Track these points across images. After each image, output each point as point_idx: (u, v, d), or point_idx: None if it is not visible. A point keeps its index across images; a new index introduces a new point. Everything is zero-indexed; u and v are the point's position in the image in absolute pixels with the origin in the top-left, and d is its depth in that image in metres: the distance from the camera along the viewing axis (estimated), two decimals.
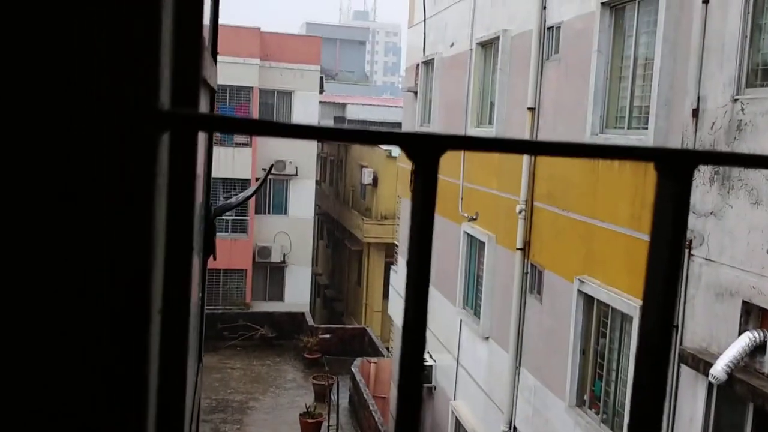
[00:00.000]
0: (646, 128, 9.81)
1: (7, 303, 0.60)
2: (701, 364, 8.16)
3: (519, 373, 13.52)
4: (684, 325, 8.83)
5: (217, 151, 29.94)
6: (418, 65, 20.48)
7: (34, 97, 0.59)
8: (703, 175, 8.65)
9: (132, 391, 0.64)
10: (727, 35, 8.26)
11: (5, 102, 0.59)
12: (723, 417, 8.30)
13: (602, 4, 10.87)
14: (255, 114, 30.94)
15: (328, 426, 21.92)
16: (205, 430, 22.08)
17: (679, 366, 8.79)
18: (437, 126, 18.56)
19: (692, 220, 8.72)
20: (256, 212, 32.12)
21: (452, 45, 17.84)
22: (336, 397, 22.44)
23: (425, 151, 0.67)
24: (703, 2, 8.65)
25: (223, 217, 31.17)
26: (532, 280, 13.14)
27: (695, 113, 8.74)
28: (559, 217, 12.15)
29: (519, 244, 13.37)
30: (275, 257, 32.30)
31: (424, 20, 19.73)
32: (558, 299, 12.12)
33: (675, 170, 0.72)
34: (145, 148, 0.60)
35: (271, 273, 33.06)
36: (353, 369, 24.14)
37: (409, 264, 0.70)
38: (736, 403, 8.02)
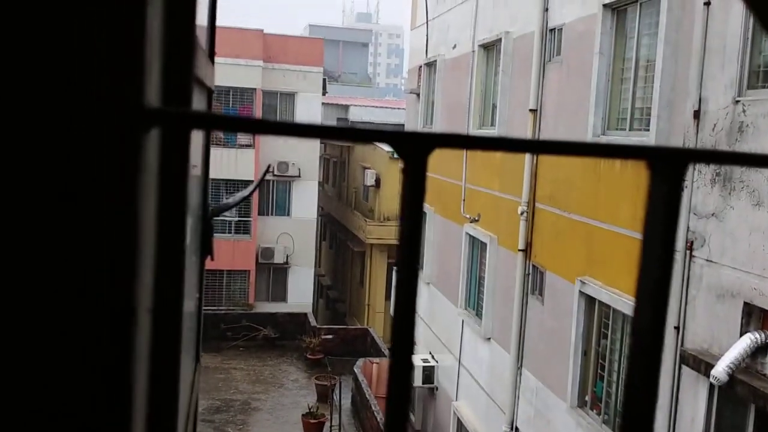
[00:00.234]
0: (648, 130, 9.80)
1: None
2: (702, 365, 8.15)
3: (520, 374, 13.52)
4: (685, 326, 8.82)
5: (220, 152, 30.08)
6: (420, 67, 20.49)
7: (10, 94, 0.58)
8: (704, 176, 8.65)
9: (116, 389, 0.64)
10: (728, 37, 8.25)
11: None
12: (724, 418, 8.29)
13: (604, 6, 10.86)
14: (258, 116, 30.94)
15: (331, 426, 21.92)
16: (208, 431, 22.08)
17: (680, 367, 8.78)
18: (440, 128, 18.56)
19: (693, 222, 8.72)
20: (259, 213, 32.12)
21: (454, 47, 17.84)
22: (338, 397, 22.43)
23: (414, 149, 0.67)
24: (704, 4, 8.64)
25: (226, 219, 31.19)
26: (534, 281, 13.13)
27: (697, 115, 8.73)
28: (561, 218, 12.15)
29: (521, 245, 13.36)
30: (278, 258, 32.30)
31: (427, 22, 19.74)
32: (559, 300, 12.11)
33: (667, 169, 0.72)
34: (128, 146, 0.60)
35: (274, 274, 33.06)
36: (355, 369, 24.13)
37: (398, 263, 0.70)
38: (737, 404, 8.01)
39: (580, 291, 11.30)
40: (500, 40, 14.81)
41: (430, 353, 18.74)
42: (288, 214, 33.01)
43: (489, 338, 15.05)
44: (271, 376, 26.88)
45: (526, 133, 13.30)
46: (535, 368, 13.01)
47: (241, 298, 31.91)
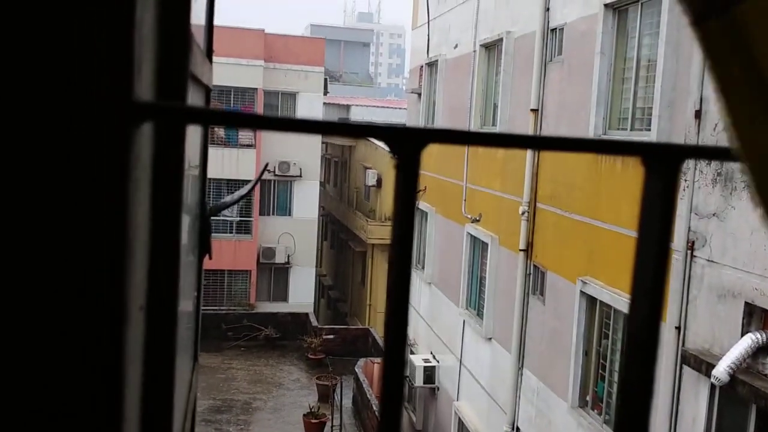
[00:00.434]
0: (649, 129, 9.80)
1: None
2: (703, 365, 8.14)
3: (522, 374, 13.51)
4: (686, 326, 8.81)
5: (221, 152, 30.11)
6: (422, 67, 20.49)
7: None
8: (705, 176, 8.64)
9: (107, 387, 0.63)
10: None
11: None
12: (725, 418, 8.28)
13: (605, 5, 10.86)
14: None
15: (332, 426, 21.92)
16: (209, 431, 22.08)
17: (681, 367, 8.77)
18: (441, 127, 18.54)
19: (695, 222, 8.71)
20: (261, 213, 32.13)
21: (456, 47, 17.84)
22: (339, 397, 22.45)
23: (407, 145, 0.67)
24: None
25: (228, 219, 31.20)
26: (535, 281, 13.13)
27: (698, 114, 8.72)
28: (562, 218, 12.14)
29: (522, 245, 13.36)
30: (279, 258, 32.30)
31: (428, 22, 19.74)
32: (560, 300, 12.10)
33: (662, 165, 0.71)
34: (118, 140, 0.59)
35: (275, 274, 33.06)
36: (356, 369, 24.14)
37: (391, 259, 0.70)
38: (738, 404, 8.00)
39: (581, 291, 11.30)
40: (501, 39, 14.80)
41: (432, 353, 18.74)
42: (289, 214, 33.01)
43: (490, 338, 15.04)
44: (272, 376, 26.90)
45: (527, 132, 13.28)
46: (536, 368, 13.00)
47: (242, 298, 31.92)
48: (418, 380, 18.24)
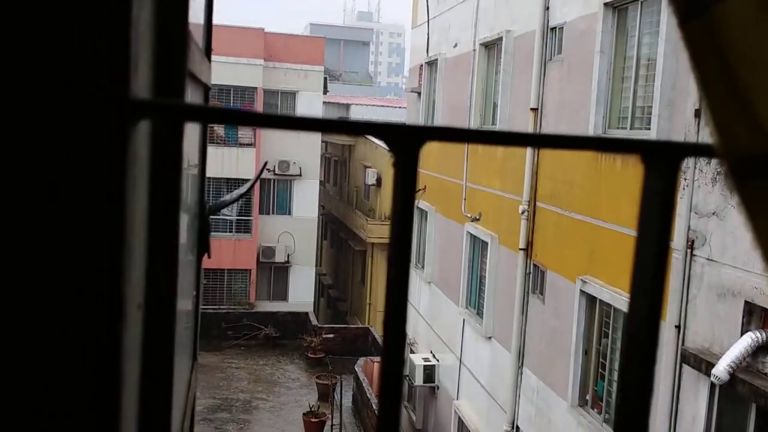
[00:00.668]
0: (649, 128, 9.80)
1: None
2: (703, 364, 8.14)
3: (521, 373, 13.51)
4: (686, 325, 8.81)
5: (221, 151, 30.11)
6: (421, 66, 20.48)
7: None
8: (705, 175, 8.64)
9: (103, 386, 0.63)
10: None
11: None
12: (725, 417, 8.28)
13: (605, 4, 10.85)
14: None
15: (332, 425, 21.93)
16: (209, 430, 22.09)
17: (681, 366, 8.77)
18: None
19: (694, 221, 8.71)
20: (260, 212, 32.13)
21: (456, 46, 17.84)
22: (339, 396, 22.45)
23: (405, 142, 0.66)
24: None
25: (227, 218, 31.20)
26: (535, 280, 13.13)
27: (698, 113, 8.72)
28: (562, 217, 12.14)
29: (522, 244, 13.36)
30: (279, 257, 32.31)
31: (428, 21, 19.73)
32: (560, 299, 12.10)
33: (662, 163, 0.71)
34: (114, 137, 0.59)
35: (275, 273, 33.07)
36: (356, 368, 24.14)
37: (389, 257, 0.69)
38: (738, 403, 8.00)
39: (581, 290, 11.30)
40: (501, 38, 14.80)
41: (431, 352, 18.74)
42: (289, 213, 33.01)
43: (490, 337, 15.04)
44: (272, 375, 26.90)
45: (527, 131, 13.26)
46: (536, 367, 13.01)
47: (242, 297, 31.93)
48: (418, 379, 18.25)
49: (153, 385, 0.98)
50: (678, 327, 8.87)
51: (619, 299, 10.14)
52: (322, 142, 35.80)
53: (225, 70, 29.09)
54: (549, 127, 12.79)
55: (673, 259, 8.91)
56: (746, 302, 7.84)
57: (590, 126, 11.12)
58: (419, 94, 20.59)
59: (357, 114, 41.38)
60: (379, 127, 0.67)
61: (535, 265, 13.14)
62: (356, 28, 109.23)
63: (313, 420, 22.01)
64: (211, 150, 29.64)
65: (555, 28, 12.71)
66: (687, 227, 8.82)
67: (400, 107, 41.19)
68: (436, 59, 19.06)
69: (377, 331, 28.57)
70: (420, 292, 19.95)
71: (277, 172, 31.86)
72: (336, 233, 38.04)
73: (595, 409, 11.18)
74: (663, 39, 9.45)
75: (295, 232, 32.62)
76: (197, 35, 1.62)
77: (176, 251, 1.05)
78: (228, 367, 27.01)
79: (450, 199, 17.40)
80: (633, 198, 10.07)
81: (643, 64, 10.32)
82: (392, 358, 0.65)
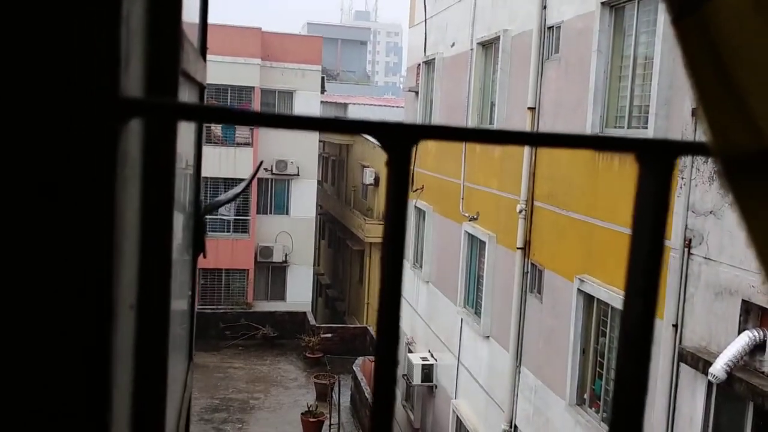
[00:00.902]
0: (646, 127, 9.80)
1: None
2: (701, 362, 8.14)
3: (519, 372, 13.51)
4: (683, 324, 8.81)
5: (218, 151, 30.09)
6: (419, 65, 20.48)
7: None
8: (702, 174, 8.64)
9: (93, 388, 0.62)
10: None
11: None
12: (723, 416, 8.29)
13: (602, 3, 10.85)
14: None
15: (330, 425, 21.92)
16: (207, 430, 22.08)
17: (678, 365, 8.77)
18: None
19: (692, 219, 8.71)
20: (258, 212, 32.11)
21: (453, 45, 17.83)
22: (337, 396, 22.44)
23: (398, 141, 0.66)
24: None
25: (225, 217, 31.19)
26: (533, 280, 13.13)
27: (695, 112, 8.72)
28: (560, 216, 12.14)
29: (519, 243, 13.36)
30: (277, 257, 32.29)
31: (425, 20, 19.72)
32: (558, 298, 12.11)
33: (657, 161, 0.71)
34: (104, 136, 0.59)
35: (272, 273, 33.05)
36: (355, 368, 24.14)
37: (383, 257, 0.69)
38: (735, 402, 8.00)
39: (578, 289, 11.30)
40: (499, 38, 14.79)
41: (429, 351, 18.74)
42: (287, 213, 32.99)
43: (488, 336, 15.04)
44: (270, 375, 26.89)
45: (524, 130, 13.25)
46: (534, 366, 13.01)
47: (239, 297, 31.91)
48: (416, 379, 18.25)
49: (146, 387, 0.97)
50: (675, 326, 8.88)
51: (617, 298, 10.14)
52: (320, 141, 35.78)
53: (222, 70, 29.08)
54: (546, 126, 12.80)
55: (671, 258, 8.91)
56: (743, 301, 7.84)
57: (587, 125, 11.12)
58: (417, 93, 20.59)
59: (354, 113, 41.33)
60: (372, 126, 0.66)
61: (532, 265, 13.15)
62: (354, 27, 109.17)
63: (312, 420, 22.00)
64: (209, 149, 29.62)
65: (552, 27, 12.71)
66: (684, 226, 8.82)
67: (397, 107, 41.17)
68: (434, 58, 19.06)
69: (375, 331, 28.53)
70: (418, 291, 19.95)
71: (274, 171, 31.85)
72: (334, 233, 38.04)
73: (593, 408, 11.18)
74: (660, 38, 9.45)
75: (293, 231, 32.60)
76: (192, 34, 1.61)
77: (170, 252, 1.04)
78: (226, 368, 27.00)
79: (448, 198, 17.39)
80: (630, 197, 10.04)
81: (640, 63, 10.33)
82: (385, 359, 0.65)
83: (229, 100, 31.48)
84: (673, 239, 8.83)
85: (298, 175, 32.45)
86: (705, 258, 8.48)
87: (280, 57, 32.25)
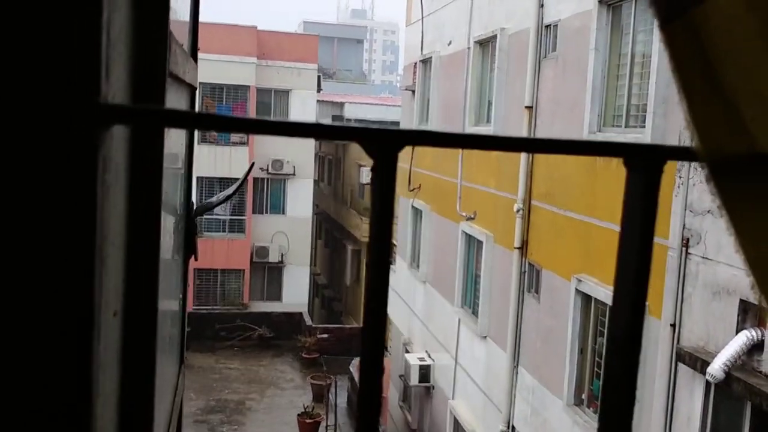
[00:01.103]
0: (644, 126, 9.80)
1: None
2: (699, 362, 8.15)
3: (517, 373, 13.51)
4: (681, 324, 8.81)
5: (213, 150, 30.09)
6: (416, 64, 20.47)
7: None
8: (700, 174, 8.63)
9: (74, 395, 0.62)
10: None
11: None
12: (721, 416, 8.29)
13: (599, 2, 10.85)
14: (252, 113, 30.97)
15: (326, 426, 21.92)
16: (202, 431, 22.07)
17: (676, 364, 8.77)
18: (435, 124, 18.56)
19: (689, 219, 8.71)
20: (254, 212, 32.10)
21: (450, 43, 17.83)
22: (334, 396, 22.46)
23: (382, 147, 0.65)
24: None
25: (221, 217, 31.17)
26: (530, 279, 13.13)
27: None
28: (557, 216, 12.14)
29: (517, 243, 13.35)
30: (273, 257, 32.28)
31: (422, 19, 19.72)
32: (556, 298, 12.11)
33: (644, 165, 0.71)
34: (83, 143, 0.58)
35: (269, 273, 33.04)
36: (351, 369, 24.14)
37: (369, 262, 0.68)
38: (733, 401, 8.01)
39: (576, 289, 11.30)
40: (496, 36, 14.79)
41: (427, 352, 18.74)
42: (283, 213, 32.99)
43: (485, 337, 15.04)
44: (267, 375, 26.88)
45: (521, 129, 13.28)
46: (531, 366, 13.01)
47: (235, 297, 31.89)
48: (414, 379, 18.24)
49: (133, 392, 0.96)
50: (673, 325, 8.88)
51: None
52: (316, 141, 35.75)
53: (218, 69, 29.07)
54: (544, 126, 12.80)
55: (669, 258, 8.91)
56: (741, 300, 7.84)
57: (585, 124, 11.12)
58: (413, 92, 20.58)
59: (351, 112, 41.31)
60: (356, 132, 0.66)
61: (530, 264, 13.14)
62: (350, 25, 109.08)
63: (308, 421, 22.00)
64: (204, 149, 29.61)
65: (550, 25, 12.71)
66: (682, 225, 8.82)
67: (394, 105, 41.17)
68: (431, 57, 19.06)
69: None
70: (415, 291, 19.95)
71: (270, 171, 31.84)
72: (330, 233, 38.03)
73: (591, 408, 11.18)
74: (657, 36, 9.45)
75: (289, 231, 32.60)
76: (182, 35, 1.60)
77: (157, 257, 1.03)
78: (222, 368, 26.99)
79: (445, 198, 17.39)
80: None
81: (637, 62, 10.32)
82: (370, 364, 0.64)
83: (224, 100, 31.47)
84: (671, 239, 8.83)
85: (294, 174, 32.44)
86: (703, 257, 8.48)
87: (276, 56, 32.24)
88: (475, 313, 15.74)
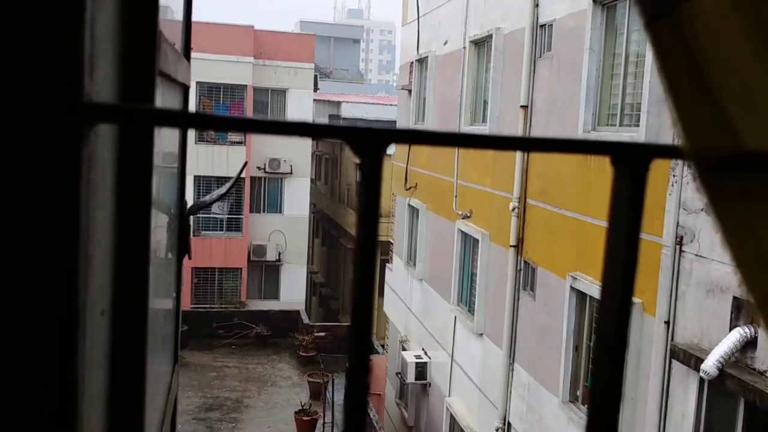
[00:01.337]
0: (638, 125, 9.81)
1: None
2: (692, 359, 8.16)
3: (513, 370, 13.53)
4: (675, 321, 8.83)
5: (210, 149, 30.08)
6: (412, 63, 20.48)
7: None
8: (694, 171, 8.64)
9: (59, 396, 0.62)
10: None
11: None
12: (714, 412, 8.30)
13: (594, 1, 10.86)
14: (249, 113, 30.96)
15: (324, 424, 21.93)
16: (200, 429, 22.06)
17: (670, 362, 8.79)
18: (432, 124, 18.57)
19: (683, 217, 8.72)
20: (251, 211, 32.08)
21: (446, 43, 17.83)
22: (331, 394, 22.45)
23: (368, 145, 0.65)
24: None
25: (218, 216, 31.15)
26: (526, 277, 13.14)
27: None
28: (552, 214, 12.15)
29: (512, 241, 13.36)
30: (270, 256, 32.27)
31: (418, 18, 19.73)
32: (551, 296, 12.12)
33: (631, 164, 0.71)
34: (64, 142, 0.58)
35: (266, 271, 33.03)
36: None
37: (354, 263, 0.68)
38: (727, 398, 8.02)
39: (571, 286, 11.31)
40: (491, 36, 14.79)
41: (423, 349, 18.75)
42: (280, 212, 32.98)
43: (481, 334, 15.06)
44: (264, 373, 26.89)
45: (517, 129, 13.29)
46: (527, 364, 13.02)
47: (233, 295, 31.88)
48: (410, 377, 18.26)
49: (123, 392, 0.96)
50: (667, 323, 8.89)
51: None
52: (313, 139, 35.76)
53: (214, 68, 29.05)
54: (539, 125, 12.81)
55: (662, 255, 8.92)
56: (735, 298, 7.86)
57: (579, 123, 11.13)
58: (410, 91, 20.59)
59: (347, 111, 41.30)
60: (341, 130, 0.66)
61: (525, 262, 13.16)
62: (347, 25, 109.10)
63: (305, 418, 22.00)
64: (201, 148, 29.60)
65: (544, 25, 12.71)
66: (676, 223, 8.84)
67: (390, 105, 41.15)
68: (427, 57, 19.06)
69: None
70: (411, 289, 19.95)
71: (267, 170, 31.83)
72: (327, 231, 38.02)
73: (586, 405, 11.19)
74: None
75: (286, 230, 32.59)
76: (175, 34, 1.60)
77: (146, 257, 1.03)
78: (219, 366, 26.98)
79: (441, 196, 17.40)
80: None
81: (632, 61, 10.34)
82: (357, 366, 0.64)
83: (221, 99, 31.45)
84: (665, 236, 8.85)
85: (291, 173, 32.43)
86: (696, 255, 8.49)
87: (273, 55, 32.22)
88: (471, 310, 15.75)
